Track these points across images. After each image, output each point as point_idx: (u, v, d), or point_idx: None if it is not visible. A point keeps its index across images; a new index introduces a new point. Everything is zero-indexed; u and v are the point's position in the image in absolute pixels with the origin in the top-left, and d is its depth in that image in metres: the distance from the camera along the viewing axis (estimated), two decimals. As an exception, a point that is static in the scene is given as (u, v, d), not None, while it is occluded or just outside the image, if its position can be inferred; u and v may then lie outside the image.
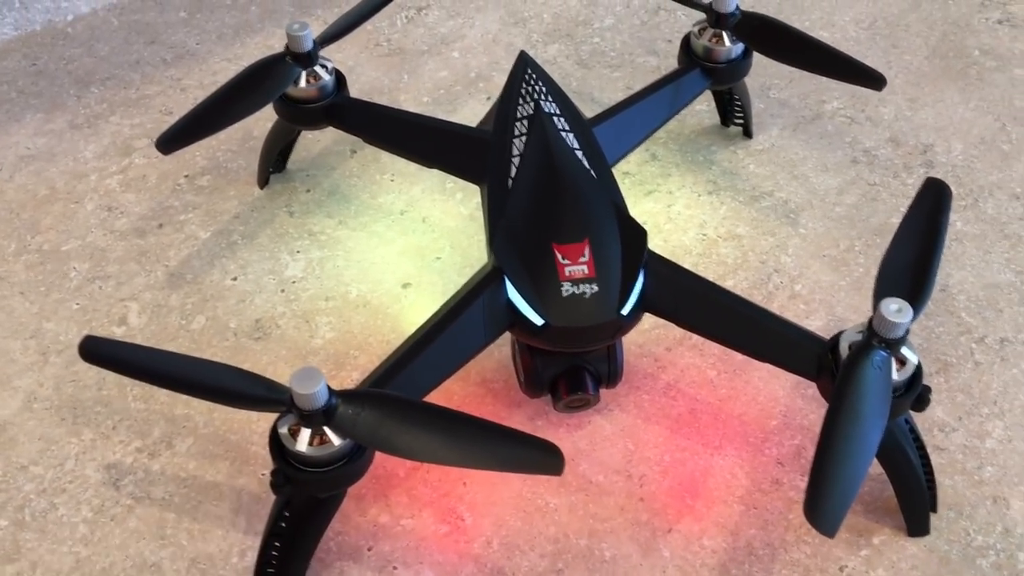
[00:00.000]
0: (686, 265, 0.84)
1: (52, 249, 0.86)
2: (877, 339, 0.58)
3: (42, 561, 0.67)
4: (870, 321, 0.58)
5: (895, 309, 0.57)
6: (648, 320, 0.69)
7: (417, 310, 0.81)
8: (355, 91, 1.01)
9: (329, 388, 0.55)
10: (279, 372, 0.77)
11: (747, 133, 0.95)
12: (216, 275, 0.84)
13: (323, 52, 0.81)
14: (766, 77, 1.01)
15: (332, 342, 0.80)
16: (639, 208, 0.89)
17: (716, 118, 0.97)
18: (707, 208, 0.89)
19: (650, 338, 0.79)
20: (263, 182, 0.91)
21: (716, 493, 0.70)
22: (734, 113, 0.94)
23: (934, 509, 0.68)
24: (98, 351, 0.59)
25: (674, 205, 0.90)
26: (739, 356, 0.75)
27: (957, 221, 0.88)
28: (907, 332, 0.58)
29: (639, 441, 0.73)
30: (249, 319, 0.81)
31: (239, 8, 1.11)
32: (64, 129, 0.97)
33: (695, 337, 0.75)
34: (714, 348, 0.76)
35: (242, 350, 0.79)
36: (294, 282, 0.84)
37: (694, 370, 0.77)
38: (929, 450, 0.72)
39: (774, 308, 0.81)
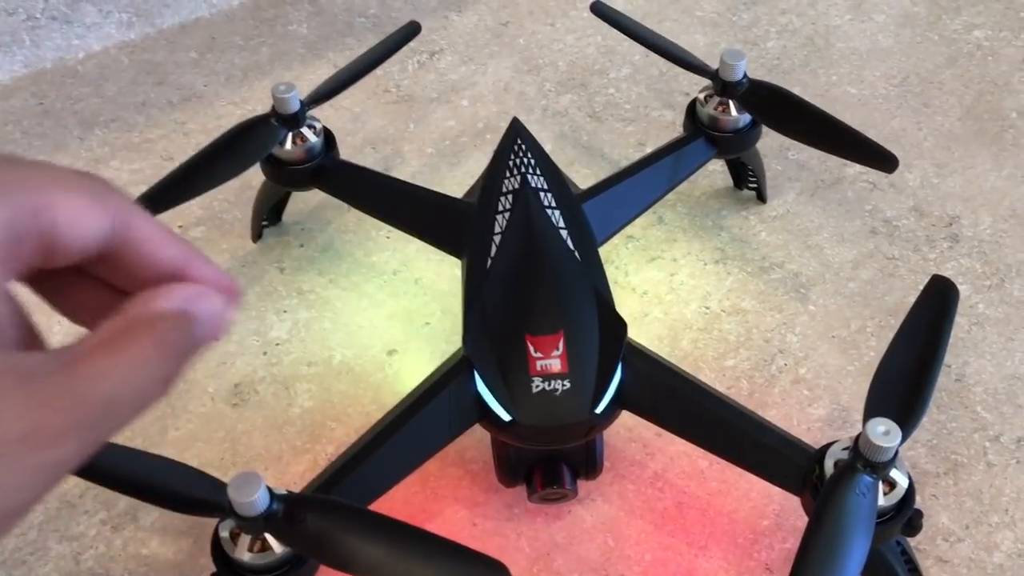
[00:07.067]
0: (685, 341, 0.81)
1: (39, 300, 0.85)
2: (862, 462, 0.53)
3: (-5, 638, 0.65)
4: (856, 441, 0.54)
5: (882, 432, 0.53)
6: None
7: (400, 379, 0.79)
8: (359, 139, 0.99)
9: (271, 493, 0.53)
10: (252, 443, 0.75)
11: (761, 198, 0.90)
12: (200, 334, 0.82)
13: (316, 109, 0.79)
14: (785, 137, 0.96)
15: (310, 411, 0.77)
16: (641, 276, 0.85)
17: (729, 180, 0.92)
18: (712, 278, 0.85)
19: (640, 421, 0.74)
20: (256, 236, 0.89)
21: (697, 600, 0.66)
22: (747, 176, 0.90)
23: (931, 631, 0.64)
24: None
25: (678, 274, 0.85)
26: (732, 446, 0.71)
27: (979, 303, 0.82)
28: (896, 455, 0.54)
29: (620, 536, 0.69)
30: (228, 383, 0.79)
31: (250, 49, 1.10)
32: (64, 173, 0.96)
33: (688, 423, 0.71)
34: (707, 436, 0.72)
35: (217, 417, 0.77)
36: (278, 344, 0.81)
37: (684, 459, 0.73)
38: (931, 562, 0.67)
39: (775, 393, 0.77)
